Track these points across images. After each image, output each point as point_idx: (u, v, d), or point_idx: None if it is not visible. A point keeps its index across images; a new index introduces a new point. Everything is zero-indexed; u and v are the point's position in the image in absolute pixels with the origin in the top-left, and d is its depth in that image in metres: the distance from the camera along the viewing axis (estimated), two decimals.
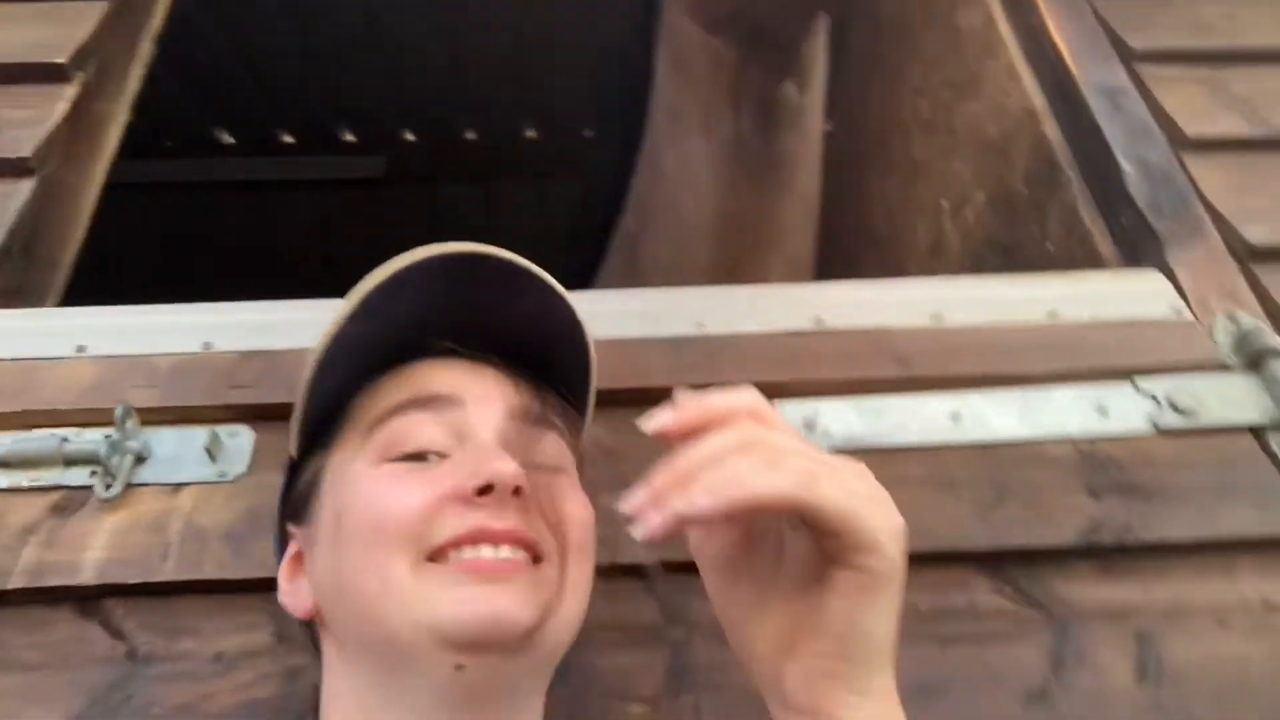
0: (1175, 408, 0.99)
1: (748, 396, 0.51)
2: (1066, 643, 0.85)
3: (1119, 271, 1.20)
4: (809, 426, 0.97)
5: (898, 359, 1.02)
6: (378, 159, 3.42)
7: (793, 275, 1.66)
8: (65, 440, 0.93)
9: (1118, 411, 1.00)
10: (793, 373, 1.02)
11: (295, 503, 0.68)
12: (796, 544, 0.53)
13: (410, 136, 3.42)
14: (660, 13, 1.71)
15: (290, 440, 0.68)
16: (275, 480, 0.91)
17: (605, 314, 1.03)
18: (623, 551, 0.80)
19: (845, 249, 2.41)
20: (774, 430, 0.50)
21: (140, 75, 1.47)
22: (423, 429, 0.62)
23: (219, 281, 1.93)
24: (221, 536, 0.88)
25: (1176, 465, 0.96)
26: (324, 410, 0.67)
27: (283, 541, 0.69)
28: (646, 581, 0.85)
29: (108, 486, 0.90)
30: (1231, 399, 1.00)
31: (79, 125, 1.29)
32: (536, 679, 0.63)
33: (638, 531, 0.47)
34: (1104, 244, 1.26)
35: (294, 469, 0.69)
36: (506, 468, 0.57)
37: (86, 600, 0.85)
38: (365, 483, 0.61)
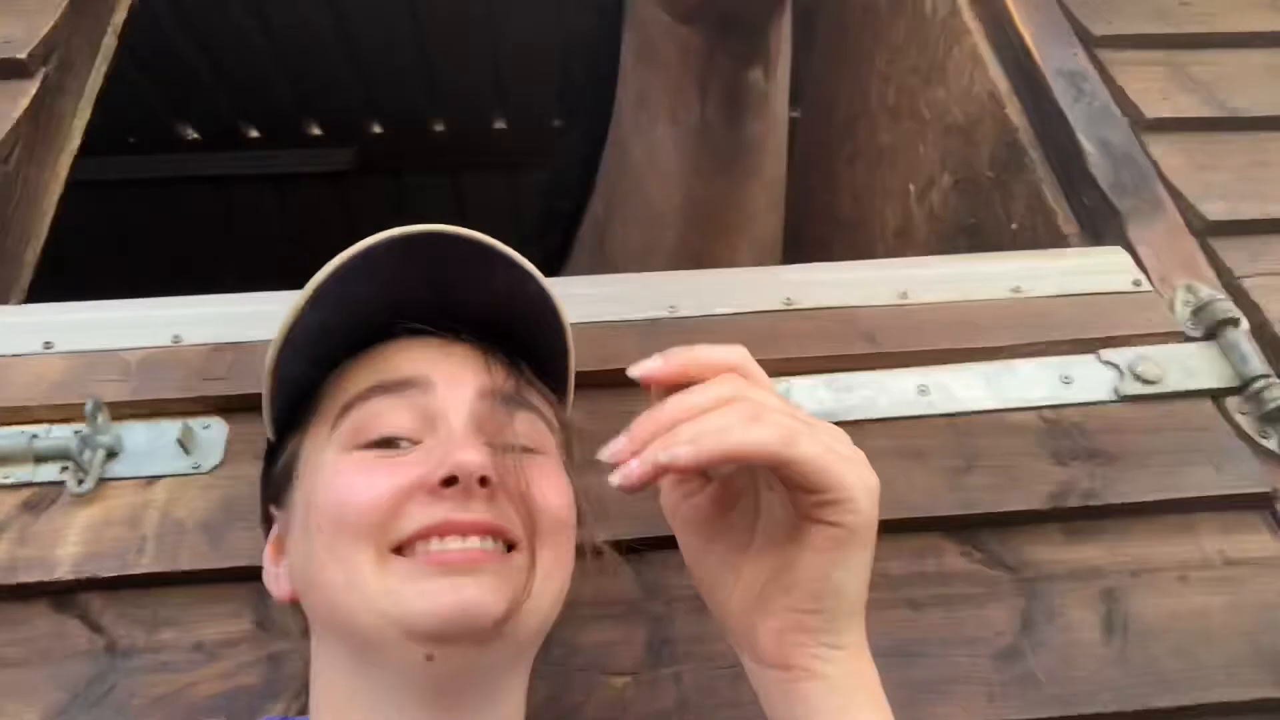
0: (1137, 376, 1.01)
1: (735, 352, 0.52)
2: (1036, 603, 0.88)
3: (1082, 248, 1.22)
4: None
5: (866, 336, 1.04)
6: (346, 151, 3.40)
7: (760, 259, 1.67)
8: (35, 437, 0.92)
9: (1081, 381, 1.02)
10: (765, 352, 1.00)
11: (275, 485, 0.67)
12: (771, 504, 0.54)
13: (378, 128, 3.40)
14: (626, 1, 1.71)
15: (265, 425, 0.68)
16: (250, 471, 0.91)
17: (578, 298, 1.04)
18: (601, 528, 0.81)
19: (815, 234, 2.43)
20: (757, 387, 0.51)
21: (103, 70, 1.45)
22: (391, 414, 0.61)
23: (187, 277, 1.91)
24: (198, 527, 0.88)
25: (1139, 431, 0.99)
26: (297, 393, 0.66)
27: (268, 522, 0.69)
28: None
29: (80, 482, 0.90)
30: (1191, 367, 1.03)
31: (41, 121, 1.27)
32: (514, 663, 0.63)
33: (616, 479, 0.48)
34: (1067, 223, 1.28)
35: (272, 450, 0.69)
36: (472, 458, 0.56)
37: (62, 595, 0.85)
38: (331, 472, 0.60)
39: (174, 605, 0.84)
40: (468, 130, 3.36)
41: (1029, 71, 1.40)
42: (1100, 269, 1.13)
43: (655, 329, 1.05)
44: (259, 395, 0.67)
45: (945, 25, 1.65)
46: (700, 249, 1.59)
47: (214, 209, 3.50)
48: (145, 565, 0.85)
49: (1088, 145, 1.27)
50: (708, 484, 0.57)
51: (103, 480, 0.90)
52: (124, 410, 0.95)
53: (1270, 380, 0.99)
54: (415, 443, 0.60)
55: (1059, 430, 0.98)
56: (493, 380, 0.63)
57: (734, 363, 0.52)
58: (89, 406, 0.91)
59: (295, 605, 0.66)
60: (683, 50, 1.50)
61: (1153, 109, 1.31)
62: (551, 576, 0.60)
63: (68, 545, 0.86)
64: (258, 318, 1.02)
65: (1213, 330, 1.05)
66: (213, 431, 0.95)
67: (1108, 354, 1.04)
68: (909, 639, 0.85)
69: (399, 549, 0.56)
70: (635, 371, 0.52)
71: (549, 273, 0.65)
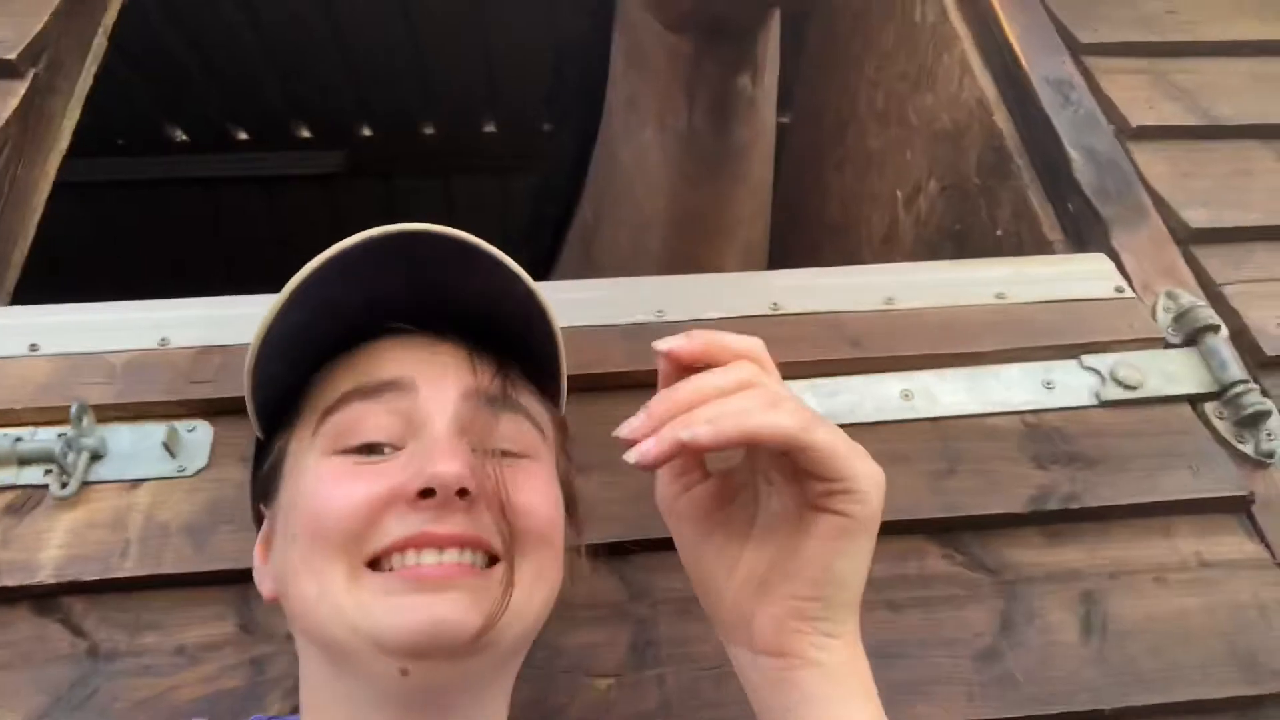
0: (1118, 381, 1.02)
1: (753, 342, 0.53)
2: (1015, 604, 0.89)
3: (1065, 255, 1.23)
4: None
5: (852, 341, 1.05)
6: (336, 154, 3.39)
7: (747, 265, 1.68)
8: (19, 440, 0.92)
9: (1063, 386, 1.03)
10: None
11: (263, 483, 0.67)
12: (769, 498, 0.55)
13: (368, 131, 3.39)
14: (617, 6, 1.72)
15: (252, 424, 0.68)
16: (235, 474, 0.92)
17: (566, 302, 1.04)
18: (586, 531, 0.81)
19: (804, 239, 2.44)
20: (772, 378, 0.52)
21: (93, 71, 1.44)
22: (372, 419, 0.59)
23: (175, 279, 1.91)
24: (182, 531, 0.88)
25: (1119, 435, 1.00)
26: (283, 392, 0.66)
27: (260, 520, 0.69)
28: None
29: (63, 485, 0.89)
30: (1171, 372, 1.04)
31: (30, 122, 1.27)
32: (496, 674, 0.62)
33: (632, 456, 0.48)
34: (1052, 230, 1.29)
35: (261, 448, 0.68)
36: (449, 469, 0.54)
37: (44, 598, 0.85)
38: (311, 479, 0.59)
39: (157, 609, 0.84)
40: (458, 133, 3.36)
41: (1017, 78, 1.41)
42: (1083, 275, 1.14)
43: (642, 333, 1.05)
44: (245, 398, 0.67)
45: (935, 31, 1.66)
46: (687, 254, 1.60)
47: (203, 211, 3.49)
48: (128, 569, 0.85)
49: (1073, 152, 1.28)
50: (705, 478, 0.57)
51: (86, 483, 0.90)
52: (109, 413, 0.95)
53: (1248, 386, 1.00)
54: (398, 448, 0.59)
55: (1040, 434, 0.99)
56: (478, 381, 0.62)
57: (752, 351, 0.52)
58: (74, 409, 0.91)
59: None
60: (671, 56, 1.51)
61: (1138, 117, 1.32)
62: (534, 587, 0.59)
63: (50, 548, 0.86)
64: (245, 320, 1.02)
65: (1193, 336, 1.06)
66: (198, 434, 0.95)
67: (1089, 359, 1.05)
68: (889, 640, 0.85)
69: (375, 561, 0.56)
70: (661, 345, 0.52)
71: (537, 277, 0.64)
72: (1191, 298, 1.10)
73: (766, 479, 0.55)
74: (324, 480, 0.58)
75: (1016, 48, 1.41)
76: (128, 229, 3.49)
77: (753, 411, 0.48)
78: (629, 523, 0.90)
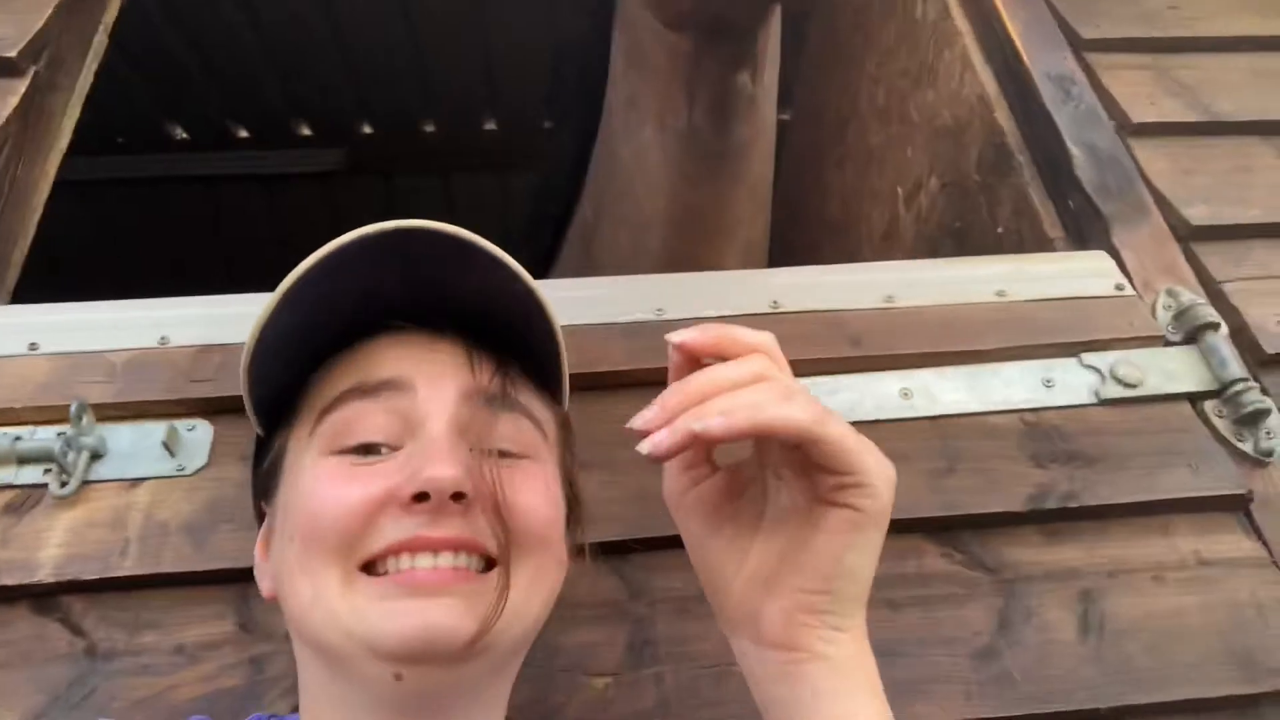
0: (1118, 379, 1.02)
1: (765, 337, 0.53)
2: (1013, 603, 0.89)
3: (1066, 252, 1.23)
4: None
5: (851, 340, 1.05)
6: (336, 152, 3.39)
7: (747, 263, 1.68)
8: (18, 439, 0.92)
9: (1063, 384, 1.03)
10: None
11: (264, 480, 0.66)
12: (778, 492, 0.55)
13: (368, 129, 3.39)
14: (616, 4, 1.72)
15: (251, 423, 0.67)
16: (234, 473, 0.92)
17: (565, 301, 1.04)
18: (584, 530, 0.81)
19: (804, 236, 2.44)
20: (784, 372, 0.52)
21: (93, 69, 1.44)
22: (369, 418, 0.59)
23: (175, 278, 1.91)
24: (181, 530, 0.88)
25: (1118, 433, 1.00)
26: (282, 389, 0.65)
27: (261, 517, 0.68)
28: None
29: (63, 484, 0.89)
30: (1171, 370, 1.04)
31: (30, 120, 1.27)
32: (493, 677, 0.61)
33: (645, 447, 0.48)
34: (1053, 227, 1.29)
35: (261, 445, 0.68)
36: (445, 473, 0.54)
37: (43, 598, 0.85)
38: (308, 480, 0.59)
39: (156, 608, 0.84)
40: (458, 132, 3.35)
41: (1018, 74, 1.41)
42: (1083, 273, 1.14)
43: (642, 332, 1.05)
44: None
45: (936, 28, 1.65)
46: (686, 253, 1.60)
47: (203, 209, 3.49)
48: (128, 568, 0.85)
49: (1074, 149, 1.28)
50: (714, 473, 0.57)
51: (86, 482, 0.90)
52: (109, 412, 0.95)
53: (1248, 384, 1.00)
54: (395, 448, 0.59)
55: (1039, 433, 0.99)
56: (476, 380, 0.61)
57: (763, 345, 0.53)
58: (73, 408, 0.91)
59: None
60: (671, 54, 1.51)
61: (1139, 113, 1.32)
62: (532, 590, 0.59)
63: (50, 548, 0.86)
64: (245, 319, 0.99)
65: (1193, 334, 1.06)
66: (198, 433, 0.95)
67: (1089, 357, 1.05)
68: (888, 639, 0.85)
69: (370, 564, 0.55)
70: (674, 338, 0.52)
71: (537, 275, 0.64)
72: (1192, 295, 1.10)
73: (776, 474, 0.55)
74: (320, 481, 0.58)
75: (1018, 43, 1.41)
76: (127, 227, 3.49)
77: (766, 404, 0.48)
78: (628, 522, 0.90)
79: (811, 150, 2.43)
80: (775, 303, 1.08)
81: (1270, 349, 1.07)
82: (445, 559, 0.55)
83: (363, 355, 0.62)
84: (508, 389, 0.62)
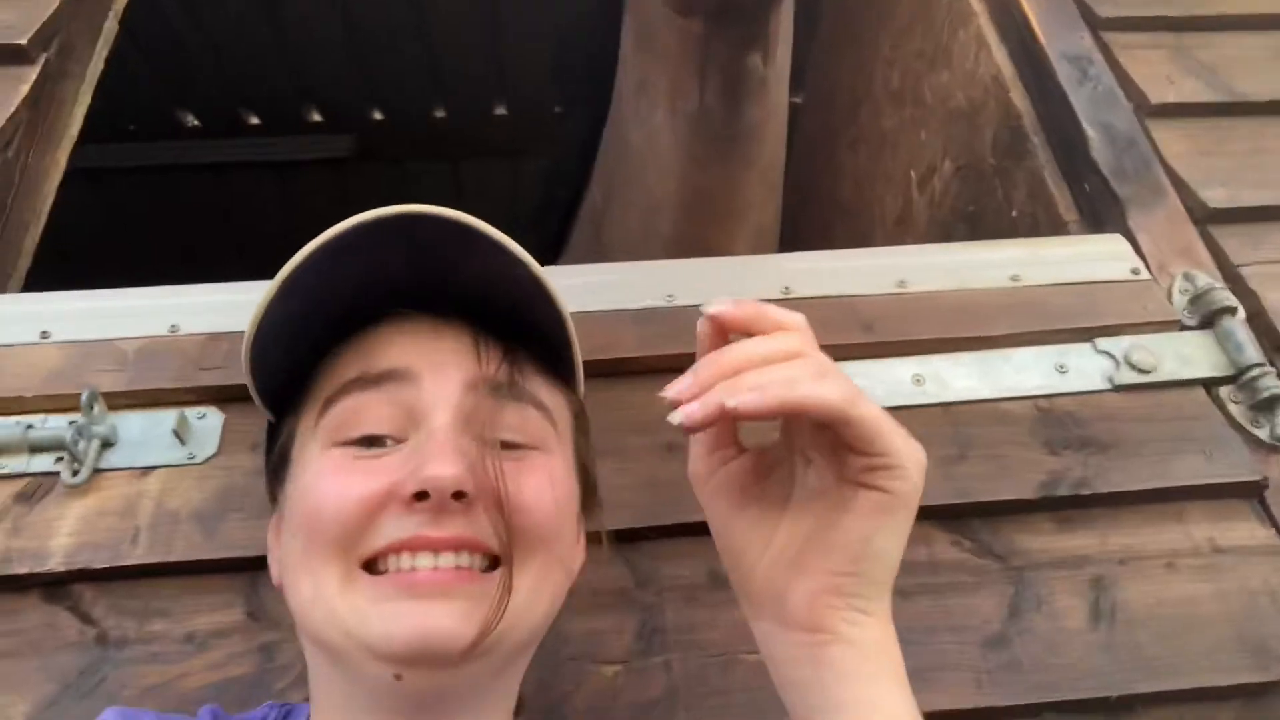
0: (1132, 365, 1.01)
1: (798, 317, 0.52)
2: (1024, 591, 0.88)
3: (1081, 235, 1.21)
4: None
5: (864, 325, 1.04)
6: (346, 138, 3.38)
7: (757, 248, 1.67)
8: (30, 427, 0.92)
9: (1077, 370, 1.02)
10: None
11: (275, 466, 0.66)
12: (806, 475, 0.54)
13: (378, 115, 3.38)
14: None
15: (260, 409, 0.67)
16: (245, 461, 0.92)
17: (576, 287, 1.04)
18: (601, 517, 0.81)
19: (817, 220, 2.42)
20: (815, 352, 0.51)
21: (104, 56, 1.44)
22: (372, 410, 0.58)
23: (185, 265, 1.91)
24: (192, 518, 0.88)
25: (1132, 419, 0.99)
26: (290, 375, 0.64)
27: (275, 500, 0.67)
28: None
29: (75, 472, 0.90)
30: (1186, 355, 1.02)
31: (41, 108, 1.27)
32: (496, 678, 0.60)
33: (677, 417, 0.47)
34: (1068, 210, 1.28)
35: (273, 430, 0.68)
36: (444, 472, 0.53)
37: (54, 586, 0.85)
38: (311, 473, 0.58)
39: (166, 596, 0.85)
40: (468, 117, 3.34)
41: (1034, 55, 1.38)
42: (1099, 257, 1.12)
43: (652, 318, 1.04)
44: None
45: (951, 8, 1.63)
46: (697, 237, 1.59)
47: (213, 196, 3.50)
48: (138, 556, 0.86)
49: (1091, 131, 1.26)
50: (741, 453, 0.56)
51: (97, 471, 0.91)
52: (120, 400, 0.95)
53: (1264, 369, 0.98)
54: (400, 440, 0.58)
55: (1052, 419, 0.98)
56: (482, 369, 0.59)
57: (796, 324, 0.52)
58: (85, 397, 0.91)
59: None
60: (682, 36, 1.50)
61: (1157, 94, 1.30)
62: (537, 589, 0.58)
63: (61, 536, 0.86)
64: (255, 307, 1.01)
65: (1209, 319, 1.04)
66: (208, 421, 0.96)
67: (1103, 343, 1.03)
68: (897, 627, 0.83)
69: (372, 562, 0.55)
70: (709, 309, 0.51)
71: (547, 260, 0.63)
72: (1209, 279, 1.08)
73: (804, 456, 0.54)
74: (322, 475, 0.57)
75: (1034, 23, 1.39)
76: (138, 215, 3.50)
77: (799, 381, 0.47)
78: (638, 509, 0.89)
79: (824, 133, 2.41)
80: (787, 288, 1.08)
81: None
82: (446, 559, 0.54)
83: (367, 343, 0.61)
84: (515, 378, 0.61)
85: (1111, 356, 1.02)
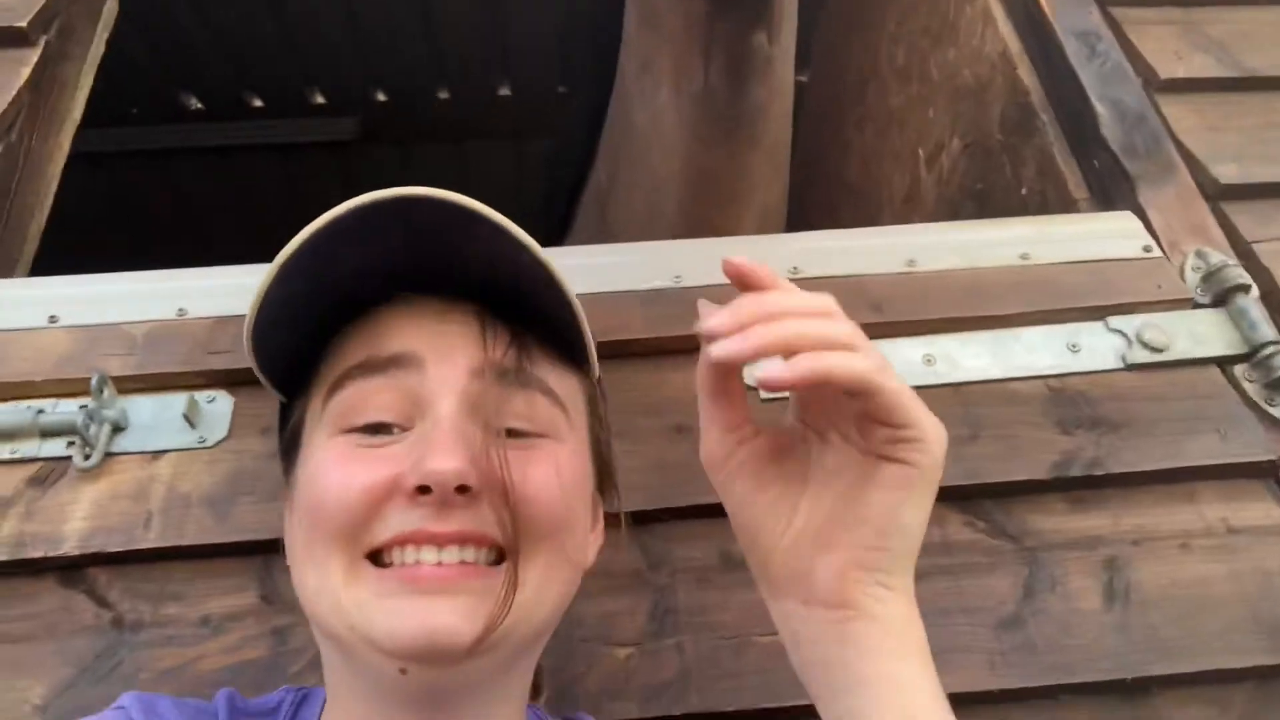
0: (1145, 344, 1.00)
1: (828, 297, 0.52)
2: (1038, 572, 0.88)
3: (1091, 213, 1.21)
4: None
5: (873, 305, 1.03)
6: (349, 120, 3.36)
7: (763, 228, 1.66)
8: (41, 412, 0.93)
9: (1088, 349, 1.01)
10: None
11: (287, 446, 0.65)
12: (823, 455, 0.54)
13: (382, 97, 3.36)
14: None
15: (269, 390, 0.66)
16: (255, 445, 0.92)
17: (582, 269, 1.03)
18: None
19: (823, 199, 2.41)
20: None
21: (104, 38, 1.43)
22: (378, 396, 0.57)
23: (191, 248, 1.91)
24: (203, 502, 0.89)
25: (1145, 399, 0.98)
26: (299, 356, 0.63)
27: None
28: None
29: (86, 456, 0.90)
30: (1199, 334, 1.02)
31: (43, 90, 1.26)
32: (504, 672, 0.59)
33: (718, 349, 0.47)
34: (1078, 188, 1.27)
35: (285, 409, 0.67)
36: (446, 466, 0.52)
37: (70, 570, 0.85)
38: (316, 461, 0.57)
39: (180, 579, 0.85)
40: (472, 99, 3.32)
41: (1041, 30, 1.37)
42: (1110, 234, 1.12)
43: (660, 299, 1.04)
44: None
45: None
46: (702, 217, 1.58)
47: (218, 179, 3.49)
48: (151, 540, 0.86)
49: (1100, 107, 1.25)
50: (756, 434, 0.56)
51: (109, 455, 0.91)
52: (129, 384, 0.96)
53: (1279, 347, 0.98)
54: (406, 428, 0.56)
55: (1064, 399, 0.98)
56: (489, 355, 0.58)
57: (827, 300, 0.51)
58: (94, 381, 0.91)
59: None
60: (686, 16, 1.48)
61: (1167, 69, 1.29)
62: (546, 583, 0.57)
63: (74, 520, 0.87)
64: (257, 285, 1.01)
65: (1222, 297, 1.03)
66: (218, 405, 0.96)
67: (1115, 321, 1.03)
68: None
69: (377, 552, 0.54)
70: (731, 261, 0.50)
71: (553, 242, 0.62)
72: (1221, 256, 1.07)
73: (820, 434, 0.54)
74: (325, 464, 0.56)
75: None
76: (142, 198, 3.50)
77: (836, 353, 0.47)
78: (650, 491, 0.89)
79: (830, 111, 2.39)
80: (795, 268, 1.07)
81: None
82: (451, 553, 0.53)
83: (372, 326, 0.60)
84: (522, 363, 0.59)
85: (1124, 335, 1.02)
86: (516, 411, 0.58)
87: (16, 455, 0.91)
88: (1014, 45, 1.42)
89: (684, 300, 1.04)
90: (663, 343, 0.99)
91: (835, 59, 2.39)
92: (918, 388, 0.97)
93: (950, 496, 0.92)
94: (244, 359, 0.93)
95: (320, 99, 3.35)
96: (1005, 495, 0.92)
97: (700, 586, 0.86)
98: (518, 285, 0.60)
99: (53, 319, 1.00)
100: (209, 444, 0.93)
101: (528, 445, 0.58)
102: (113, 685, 0.79)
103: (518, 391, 0.58)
